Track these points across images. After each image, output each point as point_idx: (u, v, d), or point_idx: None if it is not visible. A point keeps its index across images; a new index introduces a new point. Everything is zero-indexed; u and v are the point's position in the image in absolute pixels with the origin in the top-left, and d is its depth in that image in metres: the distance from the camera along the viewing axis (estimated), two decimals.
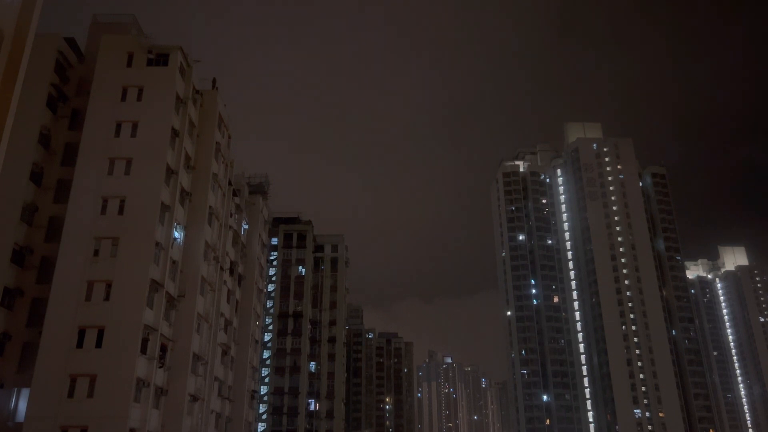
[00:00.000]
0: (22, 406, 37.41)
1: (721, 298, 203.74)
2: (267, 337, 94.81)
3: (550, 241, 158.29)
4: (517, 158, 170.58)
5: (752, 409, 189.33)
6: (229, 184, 58.59)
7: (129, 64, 46.04)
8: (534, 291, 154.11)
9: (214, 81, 55.14)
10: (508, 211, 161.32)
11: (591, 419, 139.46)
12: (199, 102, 51.68)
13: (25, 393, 37.54)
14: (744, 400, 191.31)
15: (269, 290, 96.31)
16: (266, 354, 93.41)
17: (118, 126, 43.90)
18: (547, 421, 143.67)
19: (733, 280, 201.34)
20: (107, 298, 39.27)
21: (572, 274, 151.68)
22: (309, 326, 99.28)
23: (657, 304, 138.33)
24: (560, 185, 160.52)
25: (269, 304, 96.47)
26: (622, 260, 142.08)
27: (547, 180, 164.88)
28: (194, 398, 46.12)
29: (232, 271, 59.31)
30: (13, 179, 39.93)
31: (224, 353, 55.61)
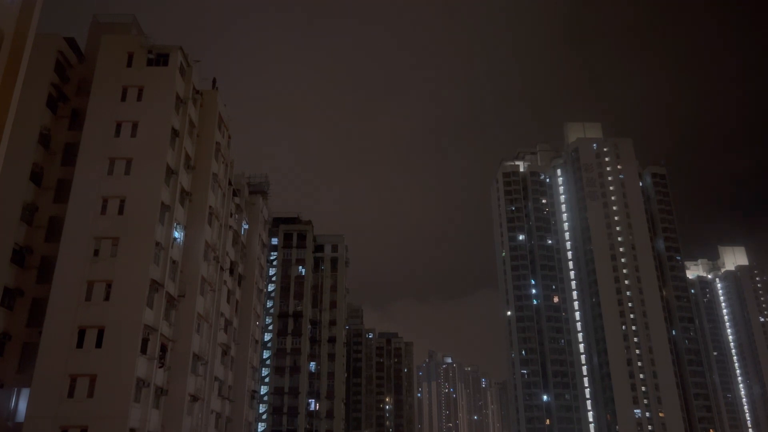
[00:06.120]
0: (22, 406, 37.39)
1: (721, 298, 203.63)
2: (267, 337, 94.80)
3: (550, 241, 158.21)
4: (517, 158, 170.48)
5: (752, 409, 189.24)
6: (229, 184, 58.58)
7: (129, 64, 45.99)
8: (534, 291, 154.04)
9: (214, 81, 55.17)
10: (508, 211, 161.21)
11: (591, 419, 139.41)
12: (199, 102, 51.64)
13: (25, 393, 37.51)
14: (744, 400, 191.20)
15: (269, 290, 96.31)
16: (266, 354, 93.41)
17: (118, 126, 43.86)
18: (547, 421, 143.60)
19: (733, 280, 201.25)
20: (107, 298, 39.23)
21: (572, 274, 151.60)
22: (309, 326, 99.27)
23: (657, 304, 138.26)
24: (560, 185, 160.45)
25: (269, 304, 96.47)
26: (622, 260, 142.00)
27: (547, 180, 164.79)
28: (194, 398, 46.10)
29: (232, 271, 59.29)
30: (13, 179, 39.91)
31: (224, 353, 55.59)
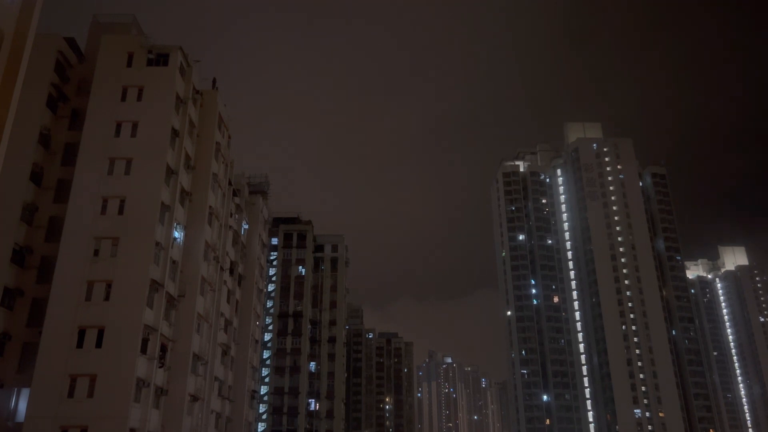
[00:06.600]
0: (22, 406, 37.39)
1: (721, 298, 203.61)
2: (267, 337, 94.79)
3: (550, 241, 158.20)
4: (517, 158, 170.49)
5: (752, 409, 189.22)
6: (229, 184, 58.57)
7: (129, 64, 45.99)
8: (534, 291, 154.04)
9: (214, 81, 55.16)
10: (508, 211, 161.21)
11: (591, 419, 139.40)
12: (199, 102, 51.63)
13: (25, 393, 37.51)
14: (744, 400, 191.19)
15: (269, 290, 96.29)
16: (266, 354, 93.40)
17: (118, 126, 43.86)
18: (547, 421, 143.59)
19: (733, 280, 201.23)
20: (107, 298, 39.22)
21: (572, 274, 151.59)
22: (309, 326, 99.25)
23: (657, 304, 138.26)
24: (560, 185, 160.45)
25: (269, 304, 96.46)
26: (622, 260, 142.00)
27: (547, 180, 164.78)
28: (194, 398, 46.10)
29: (232, 271, 59.28)
30: (13, 179, 39.90)
31: (224, 353, 55.59)
